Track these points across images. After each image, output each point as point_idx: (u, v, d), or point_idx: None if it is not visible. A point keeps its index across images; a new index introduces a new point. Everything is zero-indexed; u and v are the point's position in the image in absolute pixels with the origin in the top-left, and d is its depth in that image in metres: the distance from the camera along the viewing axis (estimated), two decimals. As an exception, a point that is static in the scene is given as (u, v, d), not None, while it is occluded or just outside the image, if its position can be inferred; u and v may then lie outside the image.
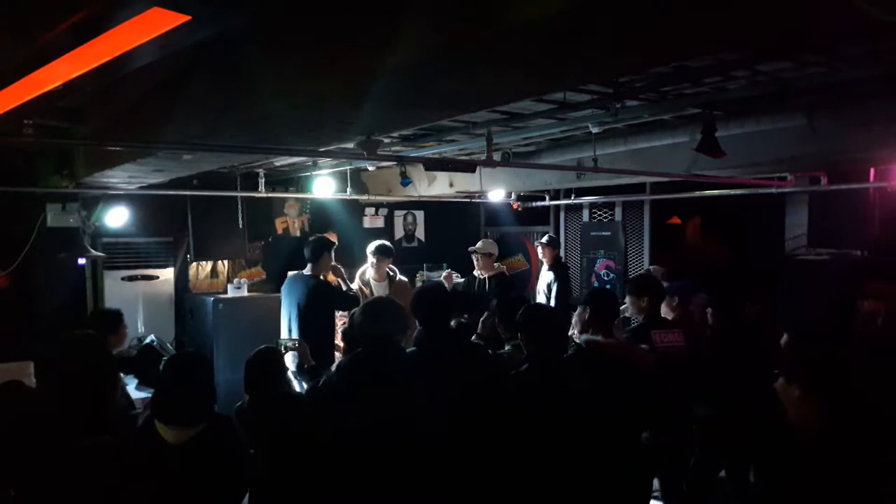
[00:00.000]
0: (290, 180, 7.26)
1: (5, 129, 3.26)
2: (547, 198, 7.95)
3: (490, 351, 3.44)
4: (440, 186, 6.97)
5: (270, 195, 6.47)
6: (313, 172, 6.58)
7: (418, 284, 7.37)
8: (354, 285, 5.64)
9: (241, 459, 2.53)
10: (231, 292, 6.46)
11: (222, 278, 7.03)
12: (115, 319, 4.07)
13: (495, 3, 1.89)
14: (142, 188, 5.48)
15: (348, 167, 6.27)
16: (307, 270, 5.17)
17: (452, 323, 3.42)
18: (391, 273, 5.76)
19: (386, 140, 4.68)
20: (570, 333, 3.67)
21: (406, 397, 2.72)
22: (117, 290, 6.29)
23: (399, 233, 8.46)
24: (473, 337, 3.91)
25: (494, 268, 6.04)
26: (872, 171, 5.38)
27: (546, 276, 6.47)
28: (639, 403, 3.03)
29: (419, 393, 2.73)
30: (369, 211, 8.13)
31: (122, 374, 3.98)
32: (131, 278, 6.48)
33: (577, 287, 7.82)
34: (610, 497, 2.89)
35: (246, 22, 2.24)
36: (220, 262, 7.07)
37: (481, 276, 6.01)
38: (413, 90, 2.54)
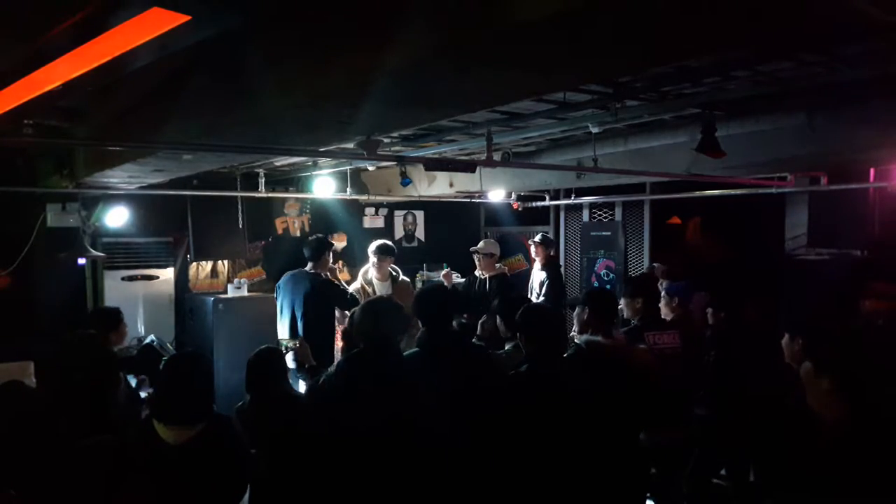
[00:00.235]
0: (290, 180, 7.26)
1: (5, 129, 3.26)
2: (547, 198, 7.95)
3: (489, 352, 3.44)
4: (440, 186, 6.97)
5: (270, 195, 6.47)
6: (313, 172, 6.58)
7: (419, 285, 7.39)
8: (357, 284, 5.65)
9: (241, 459, 2.53)
10: (231, 292, 6.46)
11: (222, 278, 7.03)
12: (115, 317, 4.09)
13: (495, 3, 1.89)
14: (142, 188, 5.48)
15: (348, 167, 6.27)
16: (309, 269, 5.17)
17: (454, 323, 3.42)
18: (394, 273, 5.77)
19: (386, 140, 4.68)
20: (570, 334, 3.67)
21: (405, 397, 2.72)
22: (117, 290, 6.29)
23: (399, 233, 8.46)
24: (473, 339, 3.92)
25: (496, 268, 6.04)
26: (872, 171, 5.39)
27: (539, 275, 6.47)
28: (637, 403, 3.03)
29: (418, 393, 2.73)
30: (369, 211, 8.13)
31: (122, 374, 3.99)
32: (131, 278, 6.48)
33: (578, 287, 7.83)
34: (608, 497, 2.89)
35: (246, 22, 2.24)
36: (220, 262, 7.07)
37: (482, 277, 6.01)
38: (413, 90, 2.54)
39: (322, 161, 6.06)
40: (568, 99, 3.82)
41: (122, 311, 4.18)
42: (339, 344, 5.14)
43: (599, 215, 7.88)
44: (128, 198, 5.99)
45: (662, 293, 4.36)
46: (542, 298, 6.16)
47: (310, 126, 3.27)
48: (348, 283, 6.00)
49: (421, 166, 4.78)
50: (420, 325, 3.10)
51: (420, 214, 8.60)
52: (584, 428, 2.78)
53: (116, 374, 3.59)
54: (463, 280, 6.34)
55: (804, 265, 6.24)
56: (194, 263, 6.89)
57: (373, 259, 5.67)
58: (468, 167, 4.42)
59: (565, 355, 3.06)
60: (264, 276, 7.20)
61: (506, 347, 3.60)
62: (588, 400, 2.82)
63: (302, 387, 4.48)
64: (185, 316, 6.63)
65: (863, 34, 2.64)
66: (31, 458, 2.36)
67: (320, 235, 5.49)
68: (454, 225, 8.63)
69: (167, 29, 1.98)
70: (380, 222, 8.26)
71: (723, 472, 4.35)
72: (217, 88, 3.01)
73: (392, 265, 5.80)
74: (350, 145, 4.17)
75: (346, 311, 5.02)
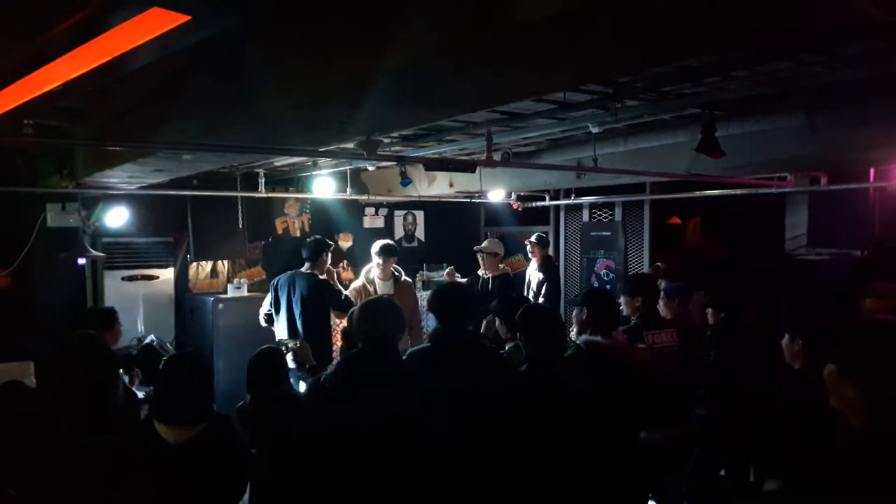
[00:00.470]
0: (290, 180, 7.26)
1: (5, 129, 3.26)
2: (547, 198, 7.95)
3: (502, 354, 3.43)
4: (440, 186, 6.97)
5: (270, 195, 6.47)
6: (313, 172, 6.58)
7: (419, 285, 7.40)
8: (359, 282, 5.64)
9: (241, 459, 2.53)
10: (231, 292, 6.47)
11: (222, 278, 7.04)
12: (109, 317, 4.12)
13: (495, 3, 1.89)
14: (142, 188, 5.48)
15: (348, 167, 6.27)
16: (306, 269, 5.17)
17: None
18: (396, 273, 5.77)
19: (386, 140, 4.68)
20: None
21: (404, 397, 2.72)
22: (117, 290, 6.29)
23: (399, 233, 8.46)
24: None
25: (499, 268, 6.03)
26: (872, 171, 5.39)
27: (535, 276, 6.47)
28: (637, 403, 3.03)
29: (417, 392, 2.73)
30: (369, 211, 8.14)
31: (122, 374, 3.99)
32: (131, 278, 6.48)
33: (578, 287, 7.83)
34: (608, 497, 2.89)
35: (246, 22, 2.24)
36: (220, 262, 7.08)
37: (485, 276, 6.00)
38: (413, 90, 2.54)
39: (322, 161, 6.06)
40: (568, 99, 3.82)
41: (120, 312, 4.20)
42: (338, 344, 5.14)
43: (599, 215, 7.88)
44: (128, 198, 5.99)
45: (661, 293, 4.37)
46: (541, 299, 6.16)
47: (310, 126, 3.27)
48: (351, 281, 6.00)
49: (421, 166, 4.78)
50: (414, 326, 3.09)
51: (420, 214, 8.60)
52: (584, 428, 2.78)
53: (116, 374, 3.59)
54: (465, 280, 6.33)
55: (804, 265, 6.24)
56: (194, 263, 6.90)
57: (377, 259, 5.67)
58: (468, 167, 4.42)
59: (565, 355, 3.06)
60: (264, 276, 7.20)
61: (506, 347, 3.60)
62: (588, 400, 2.82)
63: (302, 387, 4.48)
64: (185, 316, 6.64)
65: (863, 34, 2.63)
66: (31, 458, 2.36)
67: (318, 236, 5.49)
68: (454, 225, 8.63)
69: (167, 29, 1.98)
70: (380, 222, 8.26)
71: (723, 472, 4.34)
72: (217, 88, 3.01)
73: (395, 265, 5.80)
74: (350, 145, 4.17)
75: (341, 312, 5.01)
